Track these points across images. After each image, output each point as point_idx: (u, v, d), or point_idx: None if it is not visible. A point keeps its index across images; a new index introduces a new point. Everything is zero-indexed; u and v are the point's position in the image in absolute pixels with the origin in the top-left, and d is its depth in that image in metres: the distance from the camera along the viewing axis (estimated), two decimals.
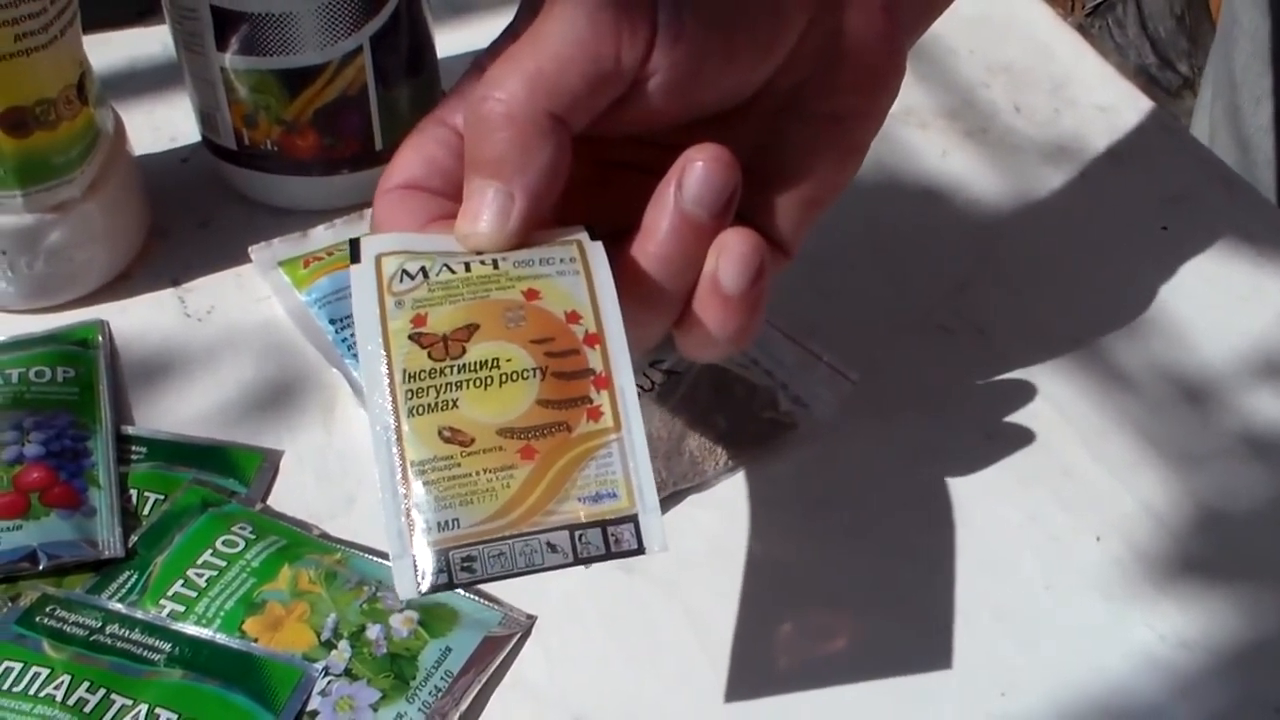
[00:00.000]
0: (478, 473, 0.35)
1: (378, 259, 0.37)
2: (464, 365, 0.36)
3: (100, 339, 0.55)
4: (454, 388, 0.35)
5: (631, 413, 0.36)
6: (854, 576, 0.48)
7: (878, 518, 0.50)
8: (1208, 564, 0.48)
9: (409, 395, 0.35)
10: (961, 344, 0.56)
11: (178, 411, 0.53)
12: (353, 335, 0.54)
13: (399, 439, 0.35)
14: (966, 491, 0.50)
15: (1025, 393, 0.54)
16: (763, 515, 0.50)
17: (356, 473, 0.51)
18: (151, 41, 0.69)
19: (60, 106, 0.53)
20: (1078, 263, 0.60)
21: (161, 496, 0.50)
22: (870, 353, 0.54)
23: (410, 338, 0.36)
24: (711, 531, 0.49)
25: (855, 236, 0.60)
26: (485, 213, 0.37)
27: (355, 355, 0.53)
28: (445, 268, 0.37)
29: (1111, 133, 0.66)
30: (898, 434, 0.52)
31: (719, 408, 0.51)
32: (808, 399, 0.52)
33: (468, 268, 0.37)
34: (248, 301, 0.57)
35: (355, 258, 0.38)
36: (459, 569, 0.34)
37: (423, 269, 0.37)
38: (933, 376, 0.55)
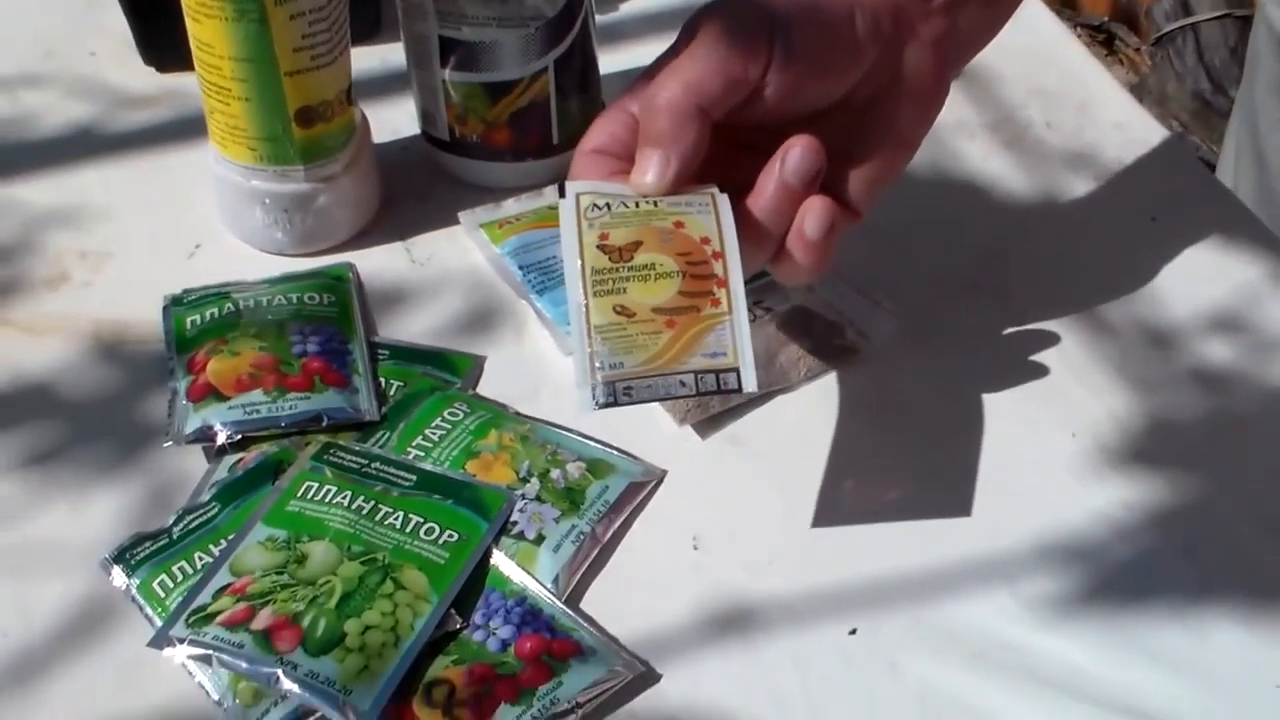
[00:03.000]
0: (637, 335, 0.53)
1: (577, 196, 0.56)
2: (632, 266, 0.54)
3: (350, 276, 0.75)
4: (624, 280, 0.54)
5: (739, 305, 0.54)
6: (898, 455, 0.66)
7: (917, 418, 0.68)
8: (1149, 453, 0.66)
9: (594, 283, 0.54)
10: (986, 300, 0.74)
11: (409, 328, 0.73)
12: (536, 278, 0.73)
13: (586, 311, 0.53)
14: (981, 402, 0.68)
15: (1030, 337, 0.72)
16: (833, 412, 0.68)
17: (539, 372, 0.70)
18: (373, 58, 0.88)
19: (335, 106, 0.73)
20: (1083, 242, 0.78)
21: (401, 383, 0.69)
22: (917, 302, 0.73)
23: (597, 247, 0.54)
24: (795, 419, 0.68)
25: (912, 218, 0.78)
26: (651, 170, 0.56)
27: (539, 293, 0.72)
28: (622, 204, 0.56)
29: (1122, 145, 0.84)
30: (934, 361, 0.71)
31: (802, 335, 0.70)
32: (869, 332, 0.71)
33: (637, 205, 0.56)
34: (457, 253, 0.77)
35: (562, 194, 0.57)
36: (621, 394, 0.52)
37: (607, 204, 0.56)
38: (962, 323, 0.73)
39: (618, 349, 0.53)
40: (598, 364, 0.52)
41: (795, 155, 0.56)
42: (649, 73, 0.57)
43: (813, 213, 0.56)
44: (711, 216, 0.55)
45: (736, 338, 0.53)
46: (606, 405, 0.52)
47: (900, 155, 0.60)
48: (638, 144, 0.56)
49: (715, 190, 0.56)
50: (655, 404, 0.67)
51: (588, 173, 0.58)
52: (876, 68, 0.57)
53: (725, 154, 0.58)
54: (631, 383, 0.52)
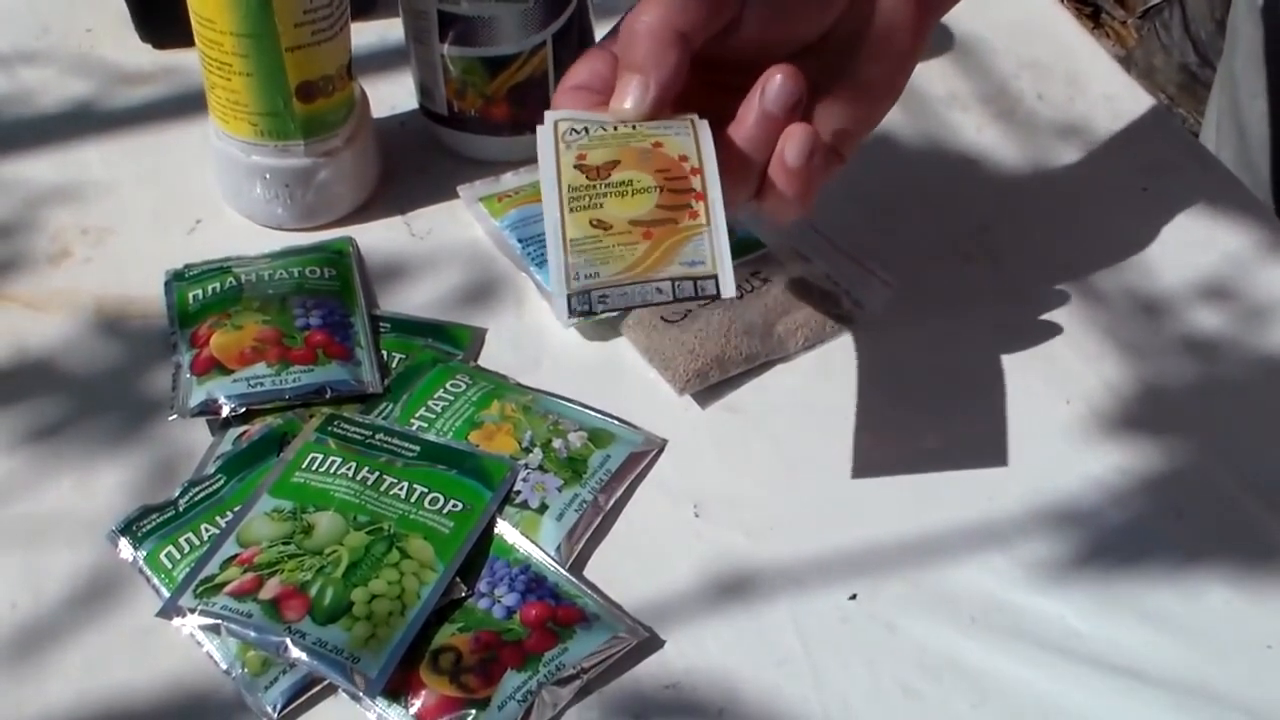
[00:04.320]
0: (613, 246, 0.52)
1: (555, 122, 0.56)
2: (609, 183, 0.53)
3: (351, 250, 0.75)
4: (601, 196, 0.53)
5: (718, 217, 0.53)
6: (893, 420, 0.67)
7: (910, 385, 0.69)
8: (1142, 419, 0.67)
9: (571, 200, 0.53)
10: (979, 268, 0.75)
11: (410, 300, 0.74)
12: (536, 250, 0.74)
13: (563, 225, 0.53)
14: (976, 369, 0.70)
15: (1023, 305, 0.73)
16: (830, 380, 0.69)
17: (539, 344, 0.71)
18: (371, 33, 0.89)
19: (336, 81, 0.73)
20: (1075, 213, 0.79)
21: (404, 355, 0.70)
22: (911, 272, 0.74)
23: (574, 166, 0.54)
24: (793, 388, 0.69)
25: (906, 188, 0.79)
26: (630, 95, 0.55)
27: (539, 265, 0.73)
28: (600, 127, 0.55)
29: (1113, 116, 0.85)
30: (929, 330, 0.71)
31: (799, 305, 0.71)
32: (863, 301, 0.72)
33: (615, 128, 0.55)
34: (457, 226, 0.78)
35: (541, 121, 0.56)
36: (596, 301, 0.52)
37: (585, 128, 0.55)
38: (956, 291, 0.74)
39: (594, 259, 0.52)
40: (573, 275, 0.52)
41: (776, 83, 0.55)
42: (631, 9, 0.57)
43: (793, 139, 0.56)
44: (690, 138, 0.55)
45: (715, 246, 0.53)
46: (582, 313, 0.52)
47: (880, 101, 0.59)
48: (618, 71, 0.56)
49: (695, 116, 0.56)
50: (656, 374, 0.68)
51: (569, 106, 0.57)
52: (855, 6, 0.57)
53: (704, 93, 0.57)
54: (607, 291, 0.52)
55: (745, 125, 0.56)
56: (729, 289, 0.52)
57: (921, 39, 0.59)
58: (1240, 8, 1.03)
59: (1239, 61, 1.04)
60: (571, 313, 0.52)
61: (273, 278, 0.71)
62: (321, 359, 0.68)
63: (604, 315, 0.52)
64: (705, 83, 0.57)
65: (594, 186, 0.54)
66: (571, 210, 0.53)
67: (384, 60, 0.86)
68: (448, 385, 0.67)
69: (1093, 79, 0.88)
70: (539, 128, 0.56)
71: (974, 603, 0.60)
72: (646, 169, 0.54)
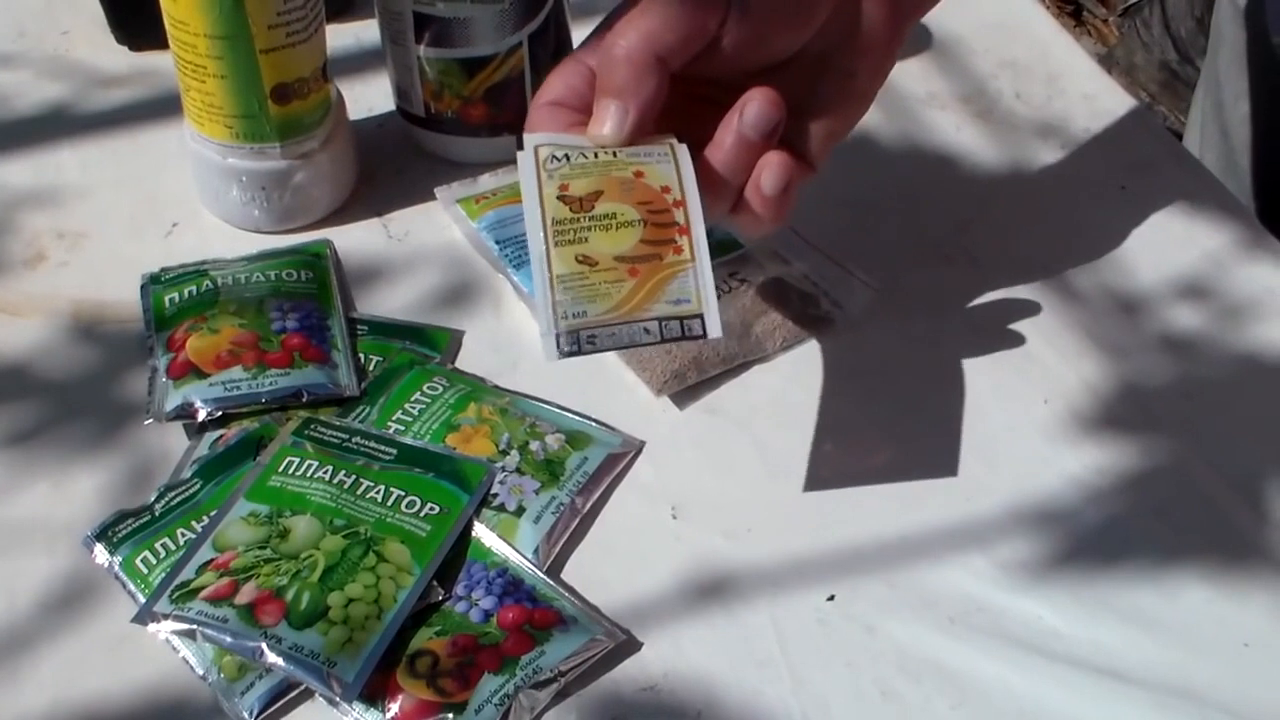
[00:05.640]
0: (599, 283, 0.52)
1: (535, 149, 0.56)
2: (593, 216, 0.54)
3: (328, 252, 0.75)
4: (585, 230, 0.53)
5: (701, 252, 0.53)
6: (872, 421, 0.67)
7: (890, 384, 0.69)
8: (1121, 419, 0.67)
9: (555, 233, 0.53)
10: (959, 269, 0.75)
11: (388, 303, 0.73)
12: (513, 252, 0.74)
13: (548, 261, 0.53)
14: (955, 369, 0.69)
15: (1003, 305, 0.73)
16: (808, 380, 0.69)
17: (517, 346, 0.71)
18: (347, 35, 0.89)
19: (311, 83, 0.73)
20: (1054, 212, 0.79)
21: (381, 358, 0.70)
22: (891, 272, 0.74)
23: (558, 198, 0.54)
24: (772, 388, 0.69)
25: (885, 189, 0.79)
26: (609, 121, 0.55)
27: (516, 267, 0.73)
28: (581, 154, 0.55)
29: (1091, 115, 0.85)
30: (907, 329, 0.71)
31: (777, 305, 0.71)
32: (843, 302, 0.72)
33: (596, 155, 0.55)
34: (434, 228, 0.77)
35: (520, 146, 0.56)
36: (585, 342, 0.52)
37: (566, 155, 0.55)
38: (936, 291, 0.74)
39: (580, 297, 0.52)
40: (561, 313, 0.52)
41: (754, 108, 0.55)
42: (606, 24, 0.57)
43: (770, 169, 0.56)
44: (671, 166, 0.55)
45: (700, 284, 0.53)
46: (570, 354, 0.52)
47: (856, 108, 0.60)
48: (596, 95, 0.56)
49: (674, 140, 0.56)
50: (633, 375, 0.68)
51: (545, 125, 0.57)
52: (832, 21, 0.57)
53: (683, 107, 0.57)
54: (595, 331, 0.52)
55: (723, 149, 0.56)
56: (715, 329, 0.53)
57: (896, 46, 0.59)
58: (1223, 10, 1.03)
59: (1222, 64, 1.04)
60: (560, 352, 0.52)
61: (250, 281, 0.71)
62: (298, 362, 0.67)
63: (591, 355, 0.53)
64: (683, 95, 0.57)
65: (578, 220, 0.54)
66: (557, 244, 0.53)
67: (360, 62, 0.86)
68: (425, 388, 0.67)
69: (1071, 78, 0.88)
70: (519, 154, 0.56)
71: (953, 603, 0.60)
72: (629, 200, 0.54)
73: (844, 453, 0.66)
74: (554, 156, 0.55)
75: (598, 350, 0.52)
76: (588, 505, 0.63)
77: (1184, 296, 0.73)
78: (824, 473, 0.65)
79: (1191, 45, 1.65)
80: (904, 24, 0.59)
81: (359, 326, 0.71)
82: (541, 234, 0.53)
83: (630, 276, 0.53)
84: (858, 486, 0.64)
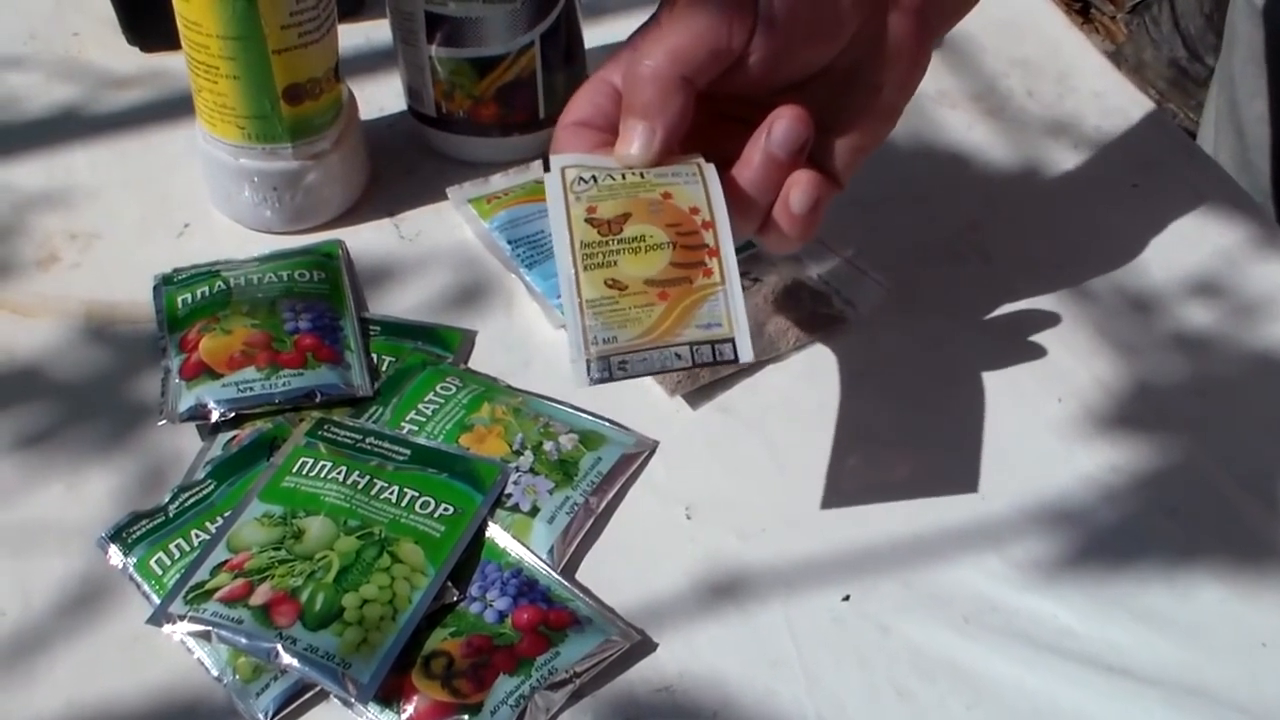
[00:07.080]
0: (630, 308, 0.53)
1: (562, 170, 0.56)
2: (621, 239, 0.54)
3: (340, 252, 0.75)
4: (614, 253, 0.53)
5: (732, 274, 0.53)
6: (883, 419, 0.67)
7: (903, 383, 0.69)
8: (1134, 417, 0.67)
9: (584, 257, 0.53)
10: (971, 267, 0.75)
11: (399, 303, 0.73)
12: (525, 252, 0.74)
13: (577, 285, 0.53)
14: (968, 367, 0.69)
15: (1015, 304, 0.73)
16: (821, 380, 0.69)
17: (529, 346, 0.71)
18: (359, 35, 0.89)
19: (323, 83, 0.73)
20: (1066, 210, 0.78)
21: (394, 358, 0.70)
22: (902, 271, 0.73)
23: (585, 220, 0.54)
24: (784, 388, 0.69)
25: (897, 187, 0.79)
26: (636, 141, 0.55)
27: (528, 267, 0.73)
28: (608, 176, 0.55)
29: (1102, 113, 0.85)
30: (918, 328, 0.71)
31: (790, 305, 0.71)
32: (856, 301, 0.72)
33: (623, 177, 0.55)
34: (446, 228, 0.77)
35: (547, 168, 0.56)
36: (616, 368, 0.52)
37: (593, 176, 0.55)
38: (947, 289, 0.74)
39: (611, 323, 0.52)
40: (591, 339, 0.52)
41: (781, 127, 0.55)
42: (631, 42, 0.56)
43: (799, 187, 0.56)
44: (700, 186, 0.55)
45: (731, 307, 0.53)
46: (601, 380, 0.52)
47: (883, 124, 0.59)
48: (622, 115, 0.56)
49: (701, 160, 0.56)
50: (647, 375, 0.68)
51: (571, 145, 0.57)
52: (859, 36, 0.57)
53: (709, 125, 0.58)
54: (626, 357, 0.52)
55: (750, 167, 0.56)
56: (746, 354, 0.52)
57: (923, 60, 0.59)
58: (1239, 8, 1.03)
59: (1237, 62, 1.03)
60: (590, 379, 0.52)
61: (261, 281, 0.71)
62: (311, 362, 0.67)
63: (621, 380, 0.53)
64: (709, 113, 0.57)
65: (606, 242, 0.53)
66: (586, 269, 0.53)
67: (372, 62, 0.86)
68: (438, 388, 0.67)
69: (1082, 76, 0.88)
70: (546, 175, 0.56)
71: (967, 603, 0.60)
72: (658, 222, 0.54)
73: (865, 465, 0.65)
74: (581, 178, 0.55)
75: (629, 376, 0.52)
76: (602, 505, 0.63)
77: (1197, 294, 0.73)
78: (846, 486, 0.64)
79: (1200, 42, 1.65)
80: (930, 38, 0.59)
81: (371, 327, 0.71)
82: (570, 257, 0.53)
83: (660, 301, 0.53)
84: (869, 482, 0.64)
